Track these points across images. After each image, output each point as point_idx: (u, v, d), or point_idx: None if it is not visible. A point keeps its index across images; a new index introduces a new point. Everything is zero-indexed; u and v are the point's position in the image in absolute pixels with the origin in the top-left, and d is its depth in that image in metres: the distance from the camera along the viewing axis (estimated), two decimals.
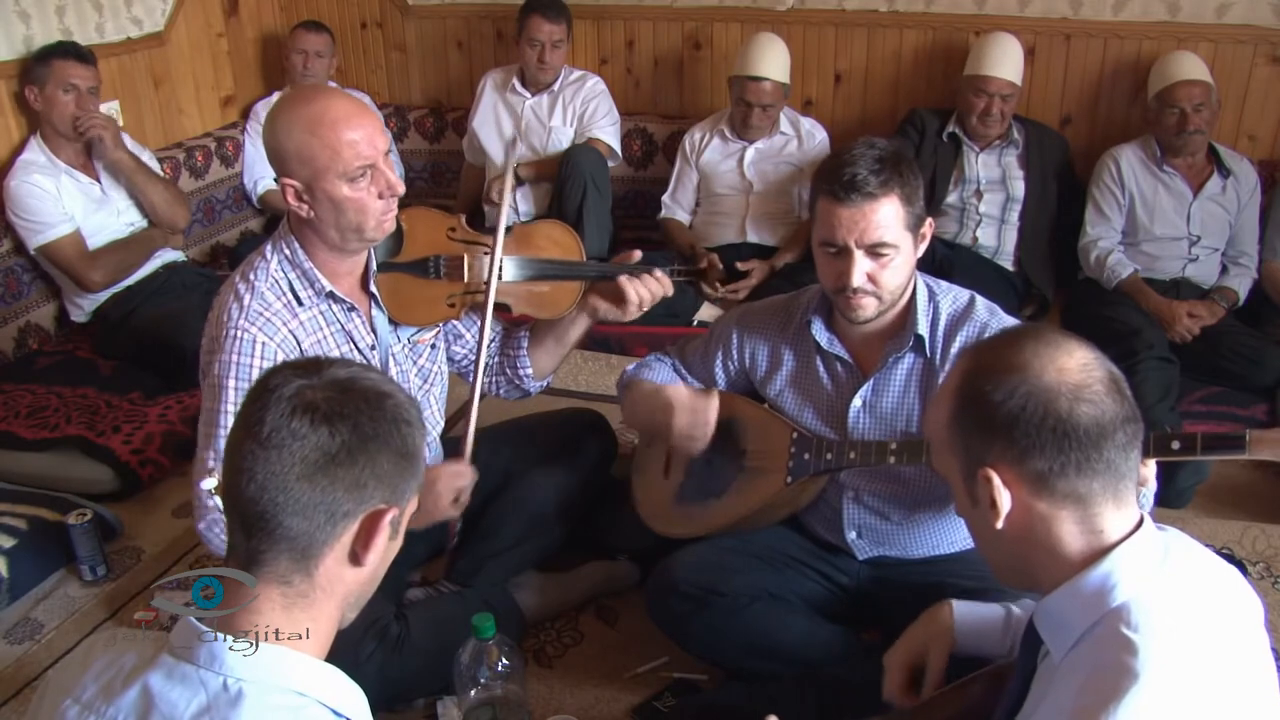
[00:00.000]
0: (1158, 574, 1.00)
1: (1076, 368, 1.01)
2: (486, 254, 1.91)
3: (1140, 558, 1.01)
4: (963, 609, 1.41)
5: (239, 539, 0.96)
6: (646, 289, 1.93)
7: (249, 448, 0.93)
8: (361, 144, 1.64)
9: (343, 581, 0.98)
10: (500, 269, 1.91)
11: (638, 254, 2.00)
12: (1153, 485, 1.48)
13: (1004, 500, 1.02)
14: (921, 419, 1.74)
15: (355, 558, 0.97)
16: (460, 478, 1.80)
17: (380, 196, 1.68)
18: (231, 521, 0.97)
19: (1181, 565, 1.02)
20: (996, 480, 1.02)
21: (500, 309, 1.95)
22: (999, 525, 1.03)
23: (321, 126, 1.62)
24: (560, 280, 1.98)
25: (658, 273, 1.95)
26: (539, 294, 1.98)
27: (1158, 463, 1.48)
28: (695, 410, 1.82)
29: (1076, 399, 0.99)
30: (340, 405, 0.94)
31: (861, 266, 1.65)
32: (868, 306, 1.70)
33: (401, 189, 1.71)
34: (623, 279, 1.93)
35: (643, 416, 1.96)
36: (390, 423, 0.96)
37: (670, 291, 1.97)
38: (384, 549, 0.99)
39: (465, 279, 1.93)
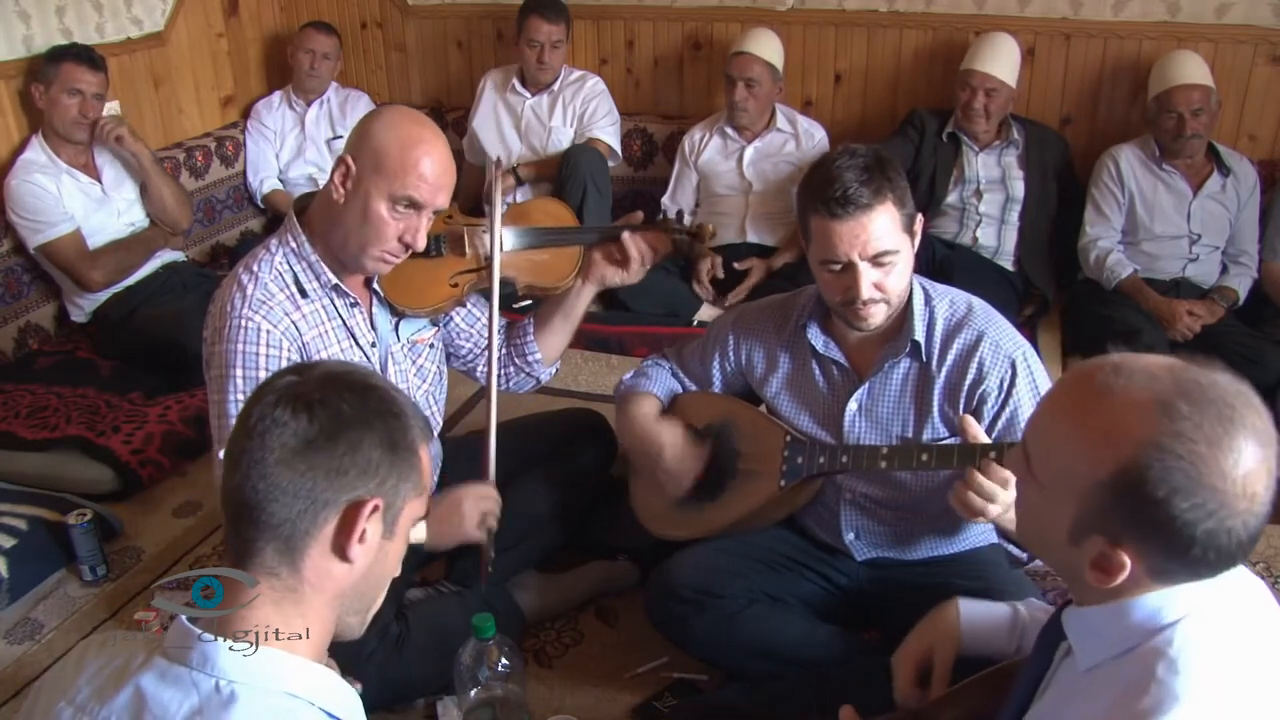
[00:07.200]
0: (1208, 595, 0.96)
1: (1257, 468, 0.90)
2: (486, 231, 1.94)
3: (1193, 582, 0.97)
4: (969, 608, 1.40)
5: (230, 533, 0.98)
6: (647, 244, 1.96)
7: (239, 440, 0.96)
8: (425, 187, 1.67)
9: (331, 577, 0.98)
10: (500, 239, 1.93)
11: (639, 215, 2.02)
12: None
13: (1123, 576, 0.95)
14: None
15: (341, 552, 0.97)
16: (486, 500, 1.82)
17: (400, 237, 1.71)
18: (225, 517, 0.98)
19: (1229, 587, 0.99)
20: (1128, 562, 0.94)
21: (503, 283, 1.95)
22: (1091, 582, 0.97)
23: (415, 148, 1.67)
24: (559, 247, 2.01)
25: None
26: (540, 262, 2.01)
27: None
28: (683, 460, 1.91)
29: (1247, 516, 0.91)
30: (323, 393, 0.96)
31: (869, 278, 1.64)
32: (878, 314, 1.69)
33: (420, 247, 1.74)
34: (626, 235, 1.95)
35: (634, 445, 1.99)
36: (374, 412, 0.97)
37: (669, 248, 1.99)
38: (375, 546, 0.99)
39: (466, 254, 1.96)
